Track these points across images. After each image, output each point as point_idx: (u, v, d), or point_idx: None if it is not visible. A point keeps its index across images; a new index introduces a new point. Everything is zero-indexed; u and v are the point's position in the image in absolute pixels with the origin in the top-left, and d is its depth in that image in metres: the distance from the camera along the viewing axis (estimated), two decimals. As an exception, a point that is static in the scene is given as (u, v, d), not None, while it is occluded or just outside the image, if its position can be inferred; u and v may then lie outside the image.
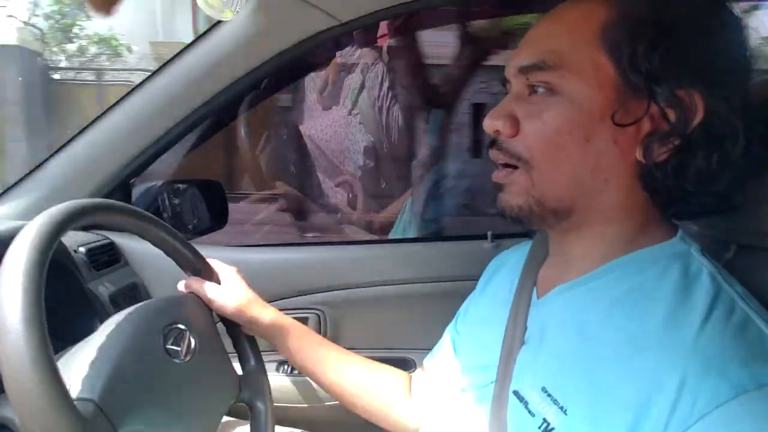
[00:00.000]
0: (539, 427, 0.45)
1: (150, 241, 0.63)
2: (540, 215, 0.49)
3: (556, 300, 0.52)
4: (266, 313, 0.71)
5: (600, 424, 0.41)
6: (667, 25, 0.43)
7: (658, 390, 0.39)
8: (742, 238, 0.55)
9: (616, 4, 0.45)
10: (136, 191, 1.00)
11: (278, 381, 0.93)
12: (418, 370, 0.76)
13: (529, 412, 0.47)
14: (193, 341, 0.60)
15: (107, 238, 0.91)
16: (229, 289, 0.70)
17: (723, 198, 0.46)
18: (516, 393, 0.49)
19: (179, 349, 0.57)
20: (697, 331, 0.40)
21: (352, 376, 0.73)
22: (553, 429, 0.44)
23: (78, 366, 0.47)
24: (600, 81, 0.45)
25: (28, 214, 0.86)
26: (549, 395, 0.45)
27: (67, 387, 0.41)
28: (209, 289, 0.68)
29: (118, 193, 0.93)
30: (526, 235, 0.97)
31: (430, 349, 0.75)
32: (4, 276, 0.41)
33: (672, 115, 0.43)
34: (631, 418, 0.39)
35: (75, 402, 0.41)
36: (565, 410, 0.44)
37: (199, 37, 0.85)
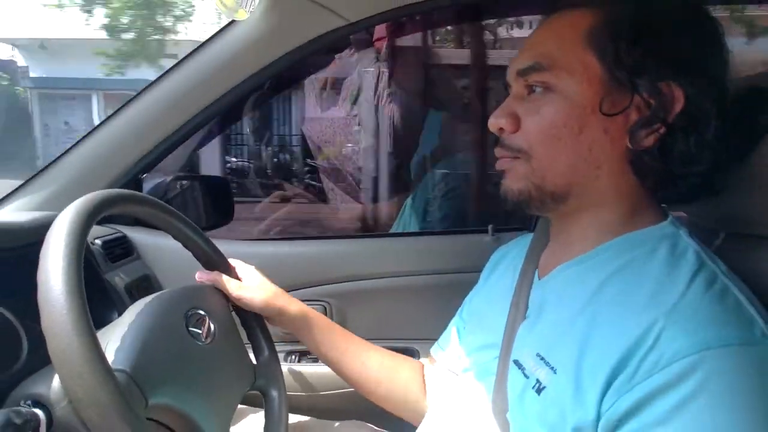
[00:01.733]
0: (533, 387, 0.49)
1: (173, 236, 0.66)
2: (539, 199, 0.53)
3: (555, 279, 0.56)
4: (294, 305, 0.73)
5: (582, 378, 0.45)
6: (645, 25, 0.49)
7: (636, 347, 0.43)
8: (730, 226, 0.59)
9: (599, 10, 0.51)
10: (146, 186, 1.02)
11: (286, 370, 0.96)
12: (427, 360, 0.79)
13: (525, 375, 0.51)
14: (212, 326, 0.62)
15: (120, 231, 0.94)
16: (255, 284, 0.72)
17: (706, 181, 0.51)
18: (515, 361, 0.53)
19: (200, 331, 0.60)
20: (678, 297, 0.44)
21: (373, 365, 0.76)
22: (544, 387, 0.48)
23: (110, 341, 0.50)
24: (589, 78, 0.50)
25: (45, 207, 0.88)
26: (542, 359, 0.50)
27: None
28: (233, 285, 0.69)
29: (130, 187, 0.95)
30: (525, 228, 1.01)
31: (433, 339, 0.78)
32: (50, 250, 0.44)
33: (654, 105, 0.48)
34: (609, 371, 0.43)
35: (113, 371, 0.44)
36: (555, 370, 0.48)
37: (212, 36, 0.88)
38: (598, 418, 0.43)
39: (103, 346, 0.49)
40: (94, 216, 0.48)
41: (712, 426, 0.39)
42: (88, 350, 0.41)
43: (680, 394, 0.40)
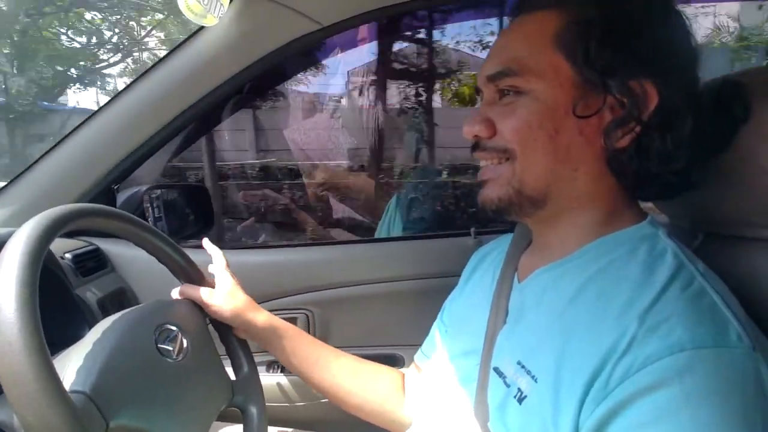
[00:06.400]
0: (514, 396, 0.48)
1: (143, 248, 0.64)
2: (518, 204, 0.53)
3: (534, 282, 0.55)
4: (261, 317, 0.72)
5: (561, 387, 0.44)
6: (613, 24, 0.48)
7: (611, 353, 0.42)
8: (708, 227, 0.59)
9: (565, 11, 0.50)
10: (121, 196, 1.00)
11: (268, 381, 0.94)
12: (412, 366, 0.78)
13: (506, 384, 0.50)
14: (185, 342, 0.60)
15: (93, 244, 0.91)
16: (225, 294, 0.71)
17: (683, 177, 0.50)
18: (496, 369, 0.52)
19: (171, 348, 0.58)
20: (652, 300, 0.43)
21: (346, 375, 0.74)
22: (526, 396, 0.47)
23: (71, 362, 0.48)
24: (560, 80, 0.49)
25: (12, 222, 0.86)
26: (523, 367, 0.49)
27: (61, 379, 0.41)
28: (205, 294, 0.69)
29: (103, 199, 0.93)
30: (508, 230, 1.00)
31: (417, 345, 0.77)
32: (1, 270, 0.41)
33: (627, 104, 0.48)
34: (587, 380, 0.42)
35: (68, 393, 0.42)
36: (536, 379, 0.47)
37: (181, 43, 0.86)
38: (577, 429, 0.42)
39: (62, 369, 0.47)
40: (51, 234, 0.46)
41: (692, 427, 0.38)
42: (39, 371, 0.39)
43: (655, 398, 0.39)
